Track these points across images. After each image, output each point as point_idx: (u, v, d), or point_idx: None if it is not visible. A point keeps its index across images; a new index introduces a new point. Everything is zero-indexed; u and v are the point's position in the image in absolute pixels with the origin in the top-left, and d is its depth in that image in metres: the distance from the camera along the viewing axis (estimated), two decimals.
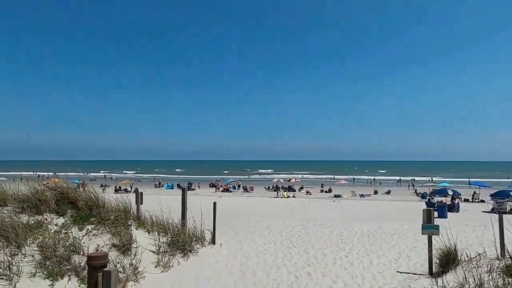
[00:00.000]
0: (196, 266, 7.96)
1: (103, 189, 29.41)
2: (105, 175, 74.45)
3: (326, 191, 41.55)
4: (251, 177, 77.91)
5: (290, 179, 48.85)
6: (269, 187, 45.63)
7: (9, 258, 5.62)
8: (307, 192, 39.92)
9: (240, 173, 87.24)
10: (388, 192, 40.75)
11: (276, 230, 12.54)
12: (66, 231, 6.97)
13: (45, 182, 8.46)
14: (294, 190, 41.24)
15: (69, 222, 7.26)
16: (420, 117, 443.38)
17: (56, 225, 7.06)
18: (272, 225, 13.79)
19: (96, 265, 2.61)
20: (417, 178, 62.80)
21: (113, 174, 78.38)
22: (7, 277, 5.38)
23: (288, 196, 34.84)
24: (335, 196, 36.52)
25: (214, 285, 7.01)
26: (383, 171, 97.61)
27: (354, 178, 67.06)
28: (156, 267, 7.48)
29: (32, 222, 6.72)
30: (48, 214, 7.22)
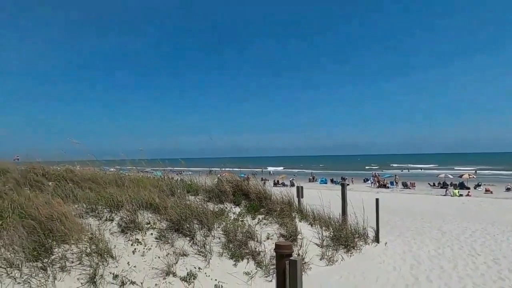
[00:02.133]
0: (361, 264, 7.72)
1: (263, 183, 32.25)
2: (262, 170, 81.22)
3: None
4: (410, 171, 70.58)
5: (462, 175, 41.72)
6: (434, 183, 40.24)
7: (204, 239, 6.80)
8: (487, 191, 33.22)
9: (391, 168, 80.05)
10: None
11: (451, 233, 10.92)
12: (242, 219, 7.92)
13: (219, 176, 9.88)
14: (468, 188, 34.98)
15: (243, 211, 8.23)
16: None
17: (234, 213, 8.11)
18: (445, 227, 12.08)
19: (283, 253, 2.81)
20: None
21: (270, 168, 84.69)
22: (203, 254, 6.52)
23: (461, 195, 29.86)
24: None
25: (383, 285, 6.63)
26: None
27: None
28: (320, 260, 7.65)
29: (217, 210, 7.93)
30: (227, 204, 8.38)
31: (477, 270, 7.30)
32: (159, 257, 6.00)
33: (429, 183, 41.04)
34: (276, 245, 2.89)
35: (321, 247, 8.01)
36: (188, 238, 6.74)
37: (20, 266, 4.75)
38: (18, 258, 4.83)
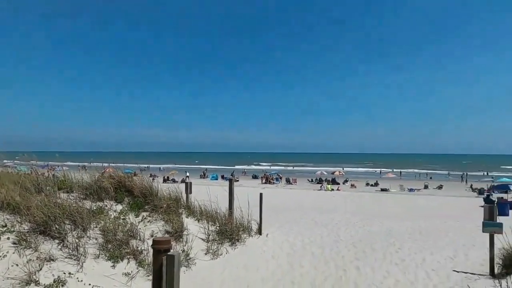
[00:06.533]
0: (244, 255, 8.13)
1: (152, 179, 30.82)
2: (148, 166, 76.67)
3: (372, 185, 40.25)
4: (294, 169, 77.54)
5: (334, 172, 47.96)
6: (312, 179, 45.18)
7: (77, 240, 6.12)
8: (352, 186, 38.97)
9: (277, 165, 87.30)
10: (440, 187, 38.52)
11: (322, 223, 12.41)
12: (124, 217, 7.43)
13: (102, 172, 9.09)
14: (339, 183, 40.44)
15: (126, 209, 7.73)
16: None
17: (115, 211, 7.55)
18: (318, 218, 13.66)
19: (161, 249, 2.75)
20: (470, 173, 58.47)
21: (161, 165, 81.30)
22: (75, 257, 5.87)
23: (333, 189, 34.26)
24: (382, 190, 35.24)
25: (263, 274, 7.13)
26: (436, 166, 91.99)
27: (401, 172, 64.25)
28: (205, 254, 7.75)
29: (94, 208, 7.24)
30: (108, 201, 7.74)
31: (339, 253, 8.49)
32: (17, 265, 5.16)
33: (308, 179, 45.86)
34: (153, 241, 2.81)
35: (206, 242, 8.12)
36: (57, 241, 5.97)
37: None
38: None
